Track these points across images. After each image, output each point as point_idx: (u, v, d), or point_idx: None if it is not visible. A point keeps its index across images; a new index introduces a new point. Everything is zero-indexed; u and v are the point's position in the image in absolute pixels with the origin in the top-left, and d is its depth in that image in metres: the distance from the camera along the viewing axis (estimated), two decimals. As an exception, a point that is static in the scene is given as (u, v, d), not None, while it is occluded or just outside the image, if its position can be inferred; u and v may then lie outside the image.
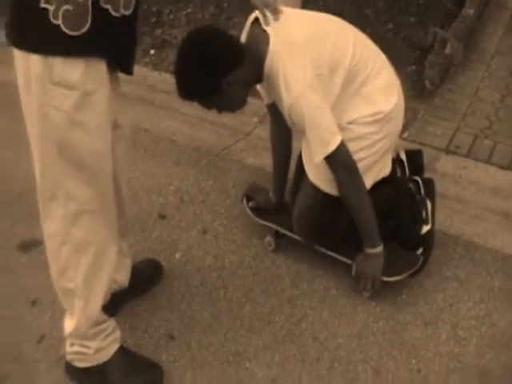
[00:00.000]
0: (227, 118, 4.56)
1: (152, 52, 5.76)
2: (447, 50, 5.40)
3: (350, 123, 2.97)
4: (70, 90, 2.18)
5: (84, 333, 2.68)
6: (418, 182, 3.41)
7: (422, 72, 5.19)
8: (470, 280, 3.33)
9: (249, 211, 3.57)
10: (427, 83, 5.06)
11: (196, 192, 3.96)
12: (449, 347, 2.98)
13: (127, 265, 3.08)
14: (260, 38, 2.78)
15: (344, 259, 3.28)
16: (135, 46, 2.48)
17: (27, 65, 2.17)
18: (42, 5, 2.06)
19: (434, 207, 3.36)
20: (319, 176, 3.07)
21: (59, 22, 2.08)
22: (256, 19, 2.83)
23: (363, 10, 6.19)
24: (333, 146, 2.79)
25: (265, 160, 4.11)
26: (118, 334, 2.83)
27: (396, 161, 3.40)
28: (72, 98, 2.20)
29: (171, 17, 6.44)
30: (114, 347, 2.81)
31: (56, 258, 2.56)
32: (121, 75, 2.49)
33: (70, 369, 2.86)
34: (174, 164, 4.23)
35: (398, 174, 3.41)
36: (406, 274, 3.17)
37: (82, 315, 2.64)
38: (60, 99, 2.20)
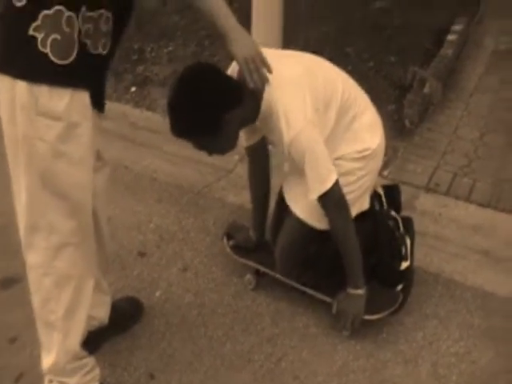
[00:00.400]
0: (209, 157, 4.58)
1: (133, 89, 5.78)
2: (426, 89, 5.47)
3: (338, 158, 2.99)
4: (54, 120, 2.20)
5: (62, 368, 2.65)
6: (396, 219, 3.43)
7: (401, 111, 5.24)
8: (449, 318, 3.33)
9: (229, 250, 3.57)
10: (407, 122, 5.11)
11: (176, 230, 3.95)
12: (429, 385, 2.98)
13: (107, 302, 3.06)
14: None
15: (324, 298, 3.28)
16: (105, 84, 2.49)
17: (13, 93, 2.18)
18: (31, 32, 2.11)
19: (412, 244, 3.37)
20: (307, 210, 3.07)
21: (47, 50, 2.12)
22: None
23: (344, 48, 6.27)
24: (329, 184, 2.80)
25: (245, 198, 4.12)
26: (97, 371, 2.80)
27: (374, 196, 3.42)
28: (56, 129, 2.22)
29: (153, 54, 6.49)
30: None
31: (38, 290, 2.54)
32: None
33: None
34: (155, 201, 4.23)
35: (377, 208, 3.43)
36: (386, 312, 3.17)
37: (61, 349, 2.61)
38: (44, 130, 2.21)
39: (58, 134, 2.22)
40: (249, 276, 3.51)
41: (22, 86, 2.16)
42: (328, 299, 3.25)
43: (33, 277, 2.53)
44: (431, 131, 5.13)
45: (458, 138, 5.03)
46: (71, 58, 2.17)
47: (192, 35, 6.90)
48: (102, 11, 2.24)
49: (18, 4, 2.13)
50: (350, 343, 3.19)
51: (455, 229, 4.00)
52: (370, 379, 3.01)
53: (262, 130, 3.11)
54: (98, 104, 2.39)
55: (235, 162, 4.62)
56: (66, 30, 2.14)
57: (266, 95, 2.77)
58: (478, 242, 3.88)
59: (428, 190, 4.38)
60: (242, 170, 4.44)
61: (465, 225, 4.04)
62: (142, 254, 3.72)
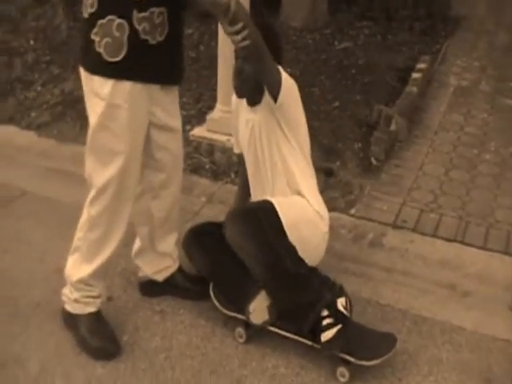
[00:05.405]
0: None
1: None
2: (392, 127, 5.51)
3: None
4: (101, 100, 2.97)
5: (71, 281, 3.32)
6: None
7: (368, 149, 5.28)
8: (418, 353, 3.33)
9: (217, 304, 3.50)
10: (373, 160, 5.14)
11: (144, 273, 3.91)
12: (398, 422, 2.96)
13: (157, 261, 3.65)
14: None
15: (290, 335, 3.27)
16: (173, 64, 3.17)
17: (84, 78, 3.05)
18: (92, 37, 2.90)
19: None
20: None
21: (101, 50, 2.89)
22: None
23: (310, 88, 6.30)
24: None
25: (213, 239, 4.12)
26: (97, 302, 3.39)
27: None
28: (102, 107, 2.98)
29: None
30: (90, 309, 3.36)
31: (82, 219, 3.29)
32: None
33: (62, 311, 3.46)
34: (122, 245, 4.18)
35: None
36: (385, 357, 3.16)
37: (75, 268, 3.31)
38: (95, 106, 3.01)
39: (103, 111, 2.98)
40: (239, 329, 3.43)
41: (85, 74, 3.02)
42: (294, 337, 3.26)
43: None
44: (398, 167, 5.17)
45: (423, 174, 5.08)
46: (121, 56, 2.89)
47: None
48: (153, 9, 2.90)
49: (85, 15, 2.94)
50: (319, 382, 3.17)
51: (422, 264, 4.02)
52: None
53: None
54: (170, 82, 3.22)
55: (202, 203, 4.62)
56: (116, 34, 2.86)
57: None
58: (444, 276, 3.90)
59: (395, 226, 4.40)
60: (210, 211, 4.46)
61: (432, 260, 4.06)
62: (108, 298, 3.66)
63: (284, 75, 3.13)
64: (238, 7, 2.73)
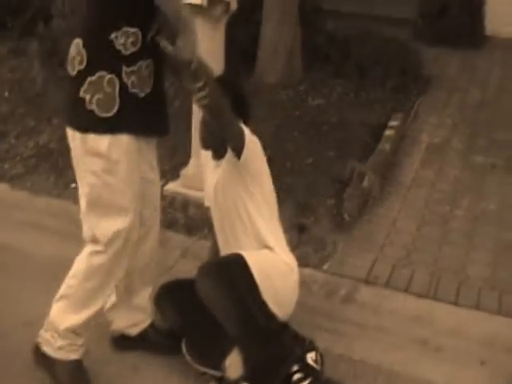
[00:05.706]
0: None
1: (73, 185, 5.76)
2: (365, 184, 5.55)
3: None
4: (99, 158, 2.96)
5: (58, 329, 3.23)
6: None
7: (341, 205, 5.30)
8: (390, 410, 3.33)
9: (189, 359, 3.47)
10: (346, 216, 5.17)
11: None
12: None
13: (131, 318, 3.60)
14: None
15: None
16: (161, 116, 3.23)
17: (73, 138, 3.03)
18: (81, 95, 2.92)
19: None
20: None
21: (93, 107, 2.91)
22: None
23: (283, 144, 6.34)
24: None
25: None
26: (82, 350, 3.32)
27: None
28: (100, 164, 2.97)
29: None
30: (72, 356, 3.29)
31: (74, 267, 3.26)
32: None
33: (36, 351, 3.38)
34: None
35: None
36: None
37: (61, 317, 3.23)
38: (92, 165, 2.99)
39: (102, 168, 2.98)
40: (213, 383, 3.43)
41: (76, 134, 3.00)
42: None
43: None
44: (370, 223, 5.20)
45: (396, 230, 5.12)
46: (114, 111, 2.92)
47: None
48: (141, 63, 2.97)
49: (72, 73, 2.98)
50: None
51: (394, 320, 4.04)
52: None
53: None
54: (156, 134, 3.30)
55: (176, 258, 4.62)
56: (108, 89, 2.90)
57: None
58: (417, 332, 3.92)
59: (368, 282, 4.42)
60: (184, 266, 4.43)
61: (404, 316, 4.08)
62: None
63: (247, 132, 3.17)
64: (200, 65, 2.81)
